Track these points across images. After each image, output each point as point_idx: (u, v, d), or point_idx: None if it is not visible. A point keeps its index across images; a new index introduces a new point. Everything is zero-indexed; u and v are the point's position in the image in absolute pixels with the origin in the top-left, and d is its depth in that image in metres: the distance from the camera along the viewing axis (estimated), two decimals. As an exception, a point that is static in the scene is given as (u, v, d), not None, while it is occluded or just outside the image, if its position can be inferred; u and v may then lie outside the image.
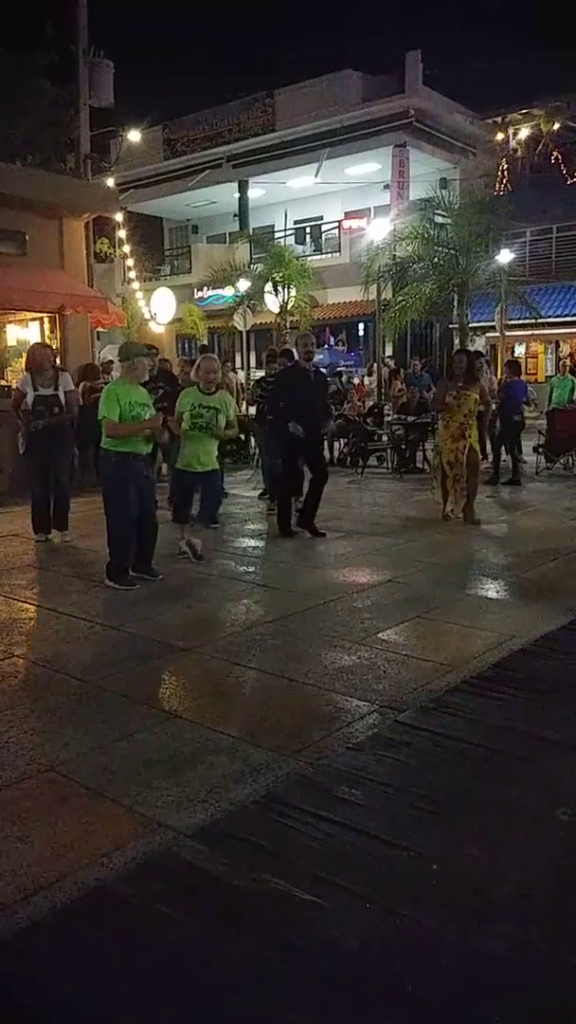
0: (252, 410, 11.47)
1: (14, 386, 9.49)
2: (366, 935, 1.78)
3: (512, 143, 25.66)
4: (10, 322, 13.08)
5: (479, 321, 20.67)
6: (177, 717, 3.81)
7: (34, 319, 12.57)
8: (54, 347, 12.15)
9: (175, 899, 1.88)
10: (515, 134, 25.93)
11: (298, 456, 8.01)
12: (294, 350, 9.09)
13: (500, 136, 25.23)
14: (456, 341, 19.86)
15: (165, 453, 9.49)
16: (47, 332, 12.48)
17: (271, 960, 1.70)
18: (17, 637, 5.03)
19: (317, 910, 1.85)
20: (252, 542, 7.92)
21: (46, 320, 12.41)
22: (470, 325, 18.21)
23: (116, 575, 6.11)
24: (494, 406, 10.36)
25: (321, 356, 20.21)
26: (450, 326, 21.62)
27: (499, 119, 25.74)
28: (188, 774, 3.25)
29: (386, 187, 23.06)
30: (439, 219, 17.45)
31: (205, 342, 23.82)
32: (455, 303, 17.85)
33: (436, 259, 17.02)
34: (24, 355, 9.02)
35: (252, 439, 12.90)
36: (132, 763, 3.37)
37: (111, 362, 14.70)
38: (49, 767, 3.34)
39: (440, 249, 16.99)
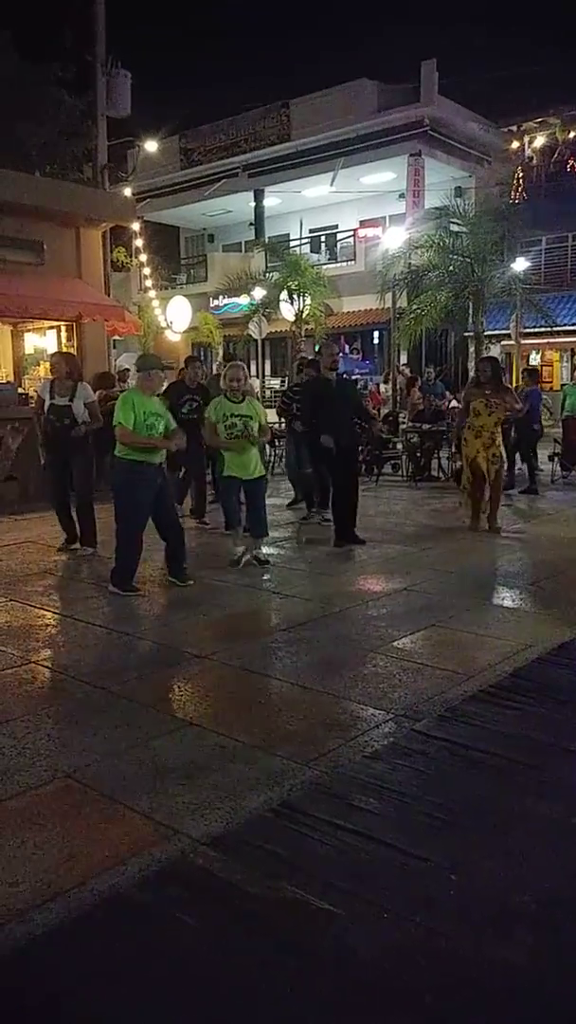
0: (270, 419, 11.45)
1: (32, 392, 9.55)
2: (383, 944, 1.77)
3: (528, 151, 25.65)
4: (28, 330, 13.19)
5: (494, 329, 20.66)
6: (192, 724, 3.81)
7: (51, 327, 12.67)
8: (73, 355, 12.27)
9: (191, 906, 1.88)
10: (531, 142, 25.92)
11: (335, 467, 7.88)
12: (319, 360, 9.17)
13: (515, 144, 25.23)
14: (471, 349, 19.84)
15: (214, 462, 9.46)
16: (64, 340, 12.56)
17: (287, 968, 1.70)
18: (33, 643, 5.05)
19: (333, 919, 1.85)
20: (267, 550, 7.92)
21: (63, 328, 12.50)
22: (485, 333, 18.18)
23: (120, 582, 6.11)
24: (525, 410, 10.25)
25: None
26: (465, 334, 21.60)
27: (515, 127, 25.74)
28: (203, 781, 3.25)
29: (401, 196, 23.10)
30: (454, 227, 17.46)
31: (221, 350, 23.93)
32: (470, 311, 17.85)
33: (451, 267, 17.03)
34: (43, 363, 9.11)
35: (267, 448, 12.89)
36: (148, 770, 3.37)
37: (127, 370, 14.78)
38: (65, 773, 3.35)
39: (455, 257, 16.99)
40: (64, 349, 12.64)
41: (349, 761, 3.27)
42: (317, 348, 21.74)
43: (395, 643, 4.93)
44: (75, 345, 12.29)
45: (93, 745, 3.60)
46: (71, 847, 2.82)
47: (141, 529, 6.13)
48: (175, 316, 20.70)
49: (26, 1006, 1.60)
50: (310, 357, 12.18)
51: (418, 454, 12.70)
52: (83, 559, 7.46)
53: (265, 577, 6.73)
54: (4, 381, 12.51)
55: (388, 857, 2.10)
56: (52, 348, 12.99)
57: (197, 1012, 1.60)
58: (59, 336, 12.71)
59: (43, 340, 13.19)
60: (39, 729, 3.78)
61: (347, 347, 23.69)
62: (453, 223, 17.52)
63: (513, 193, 23.69)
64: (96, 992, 1.64)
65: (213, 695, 4.24)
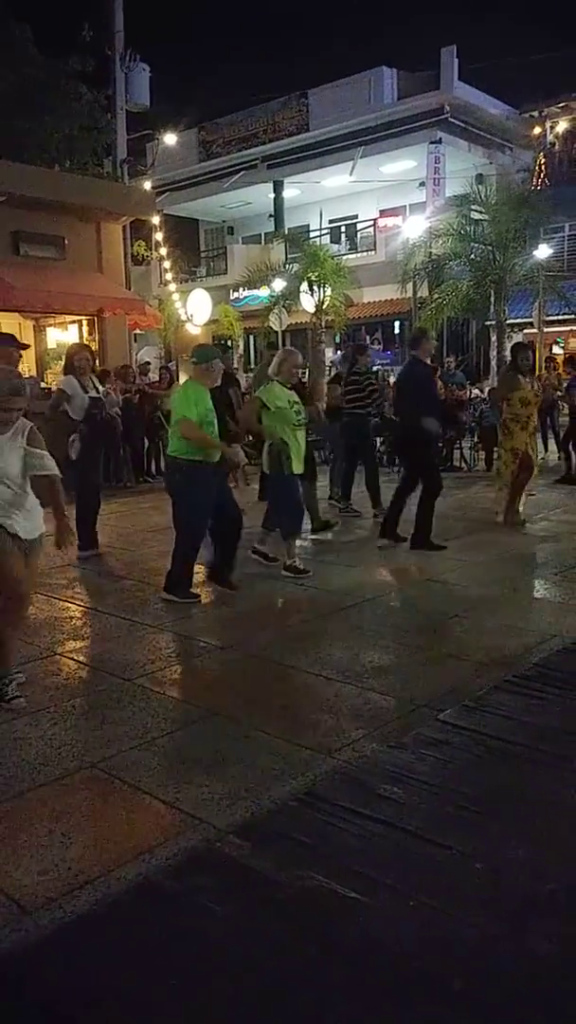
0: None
1: (56, 387, 9.55)
2: (410, 933, 1.78)
3: (550, 137, 25.35)
4: (50, 325, 13.26)
5: (516, 317, 20.46)
6: (216, 715, 3.83)
7: (73, 322, 12.74)
8: (93, 349, 12.33)
9: (217, 894, 1.89)
10: (552, 127, 25.61)
11: (427, 461, 7.38)
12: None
13: (537, 130, 24.93)
14: (493, 338, 19.69)
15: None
16: (86, 335, 12.63)
17: (313, 956, 1.71)
18: (59, 636, 5.09)
19: (360, 907, 1.85)
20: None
21: (85, 323, 12.56)
22: (507, 321, 18.03)
23: (177, 587, 5.68)
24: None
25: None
26: (486, 323, 21.43)
27: (536, 113, 25.44)
28: (228, 771, 3.27)
29: (421, 184, 22.93)
30: (475, 215, 17.31)
31: (241, 342, 23.90)
32: (492, 300, 17.68)
33: (472, 256, 16.90)
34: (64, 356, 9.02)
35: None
36: (173, 760, 3.40)
37: (148, 363, 14.83)
38: (91, 764, 3.38)
39: (476, 245, 16.86)
40: (86, 342, 12.72)
41: (374, 751, 3.27)
42: (337, 339, 21.74)
43: (418, 633, 4.92)
44: (96, 339, 12.35)
45: (119, 736, 3.63)
46: (98, 836, 2.85)
47: (204, 534, 5.69)
48: (195, 309, 20.70)
49: (57, 991, 1.62)
50: (360, 343, 11.94)
51: (440, 444, 12.62)
52: (106, 552, 7.47)
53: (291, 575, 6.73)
54: (27, 375, 12.58)
55: (413, 846, 2.10)
56: (74, 342, 13.08)
57: (223, 997, 1.61)
58: (80, 330, 12.79)
59: (65, 334, 13.26)
60: (65, 720, 3.81)
61: (367, 338, 23.61)
62: (474, 211, 17.37)
63: (535, 179, 23.41)
64: (124, 977, 1.66)
65: (237, 686, 4.25)
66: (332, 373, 10.99)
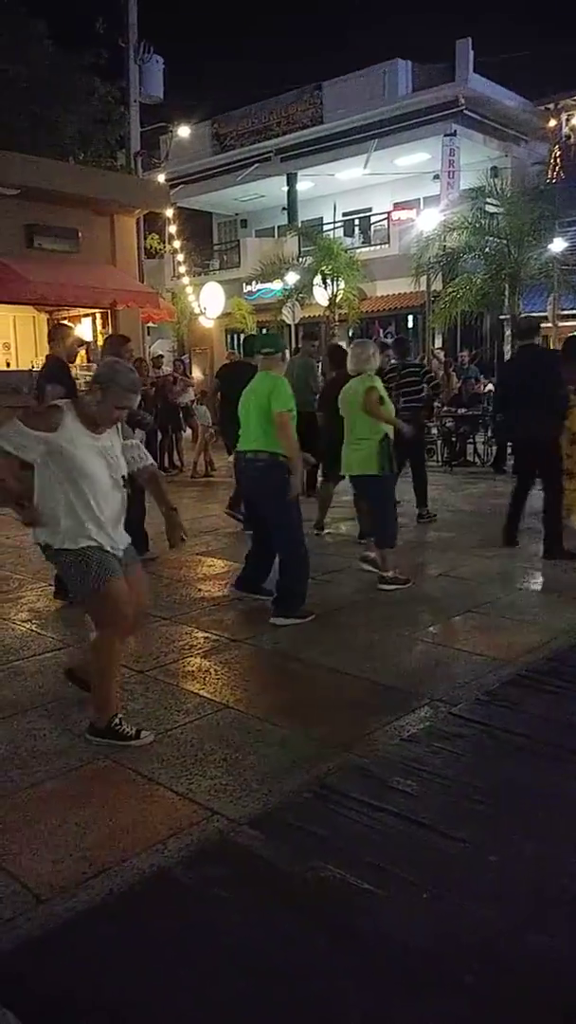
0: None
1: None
2: (422, 925, 1.78)
3: (565, 129, 25.14)
4: (64, 318, 13.28)
5: (531, 311, 20.34)
6: (230, 708, 3.84)
7: (87, 315, 12.77)
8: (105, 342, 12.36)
9: (230, 884, 1.91)
10: (568, 120, 25.40)
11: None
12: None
13: (553, 122, 24.74)
14: (507, 333, 19.60)
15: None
16: (100, 328, 12.65)
17: (325, 947, 1.72)
18: (73, 628, 5.11)
19: (372, 899, 1.86)
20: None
21: (98, 316, 12.58)
22: (522, 315, 17.94)
23: (293, 605, 5.11)
24: None
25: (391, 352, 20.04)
26: (500, 317, 21.32)
27: (552, 105, 25.23)
28: (242, 764, 3.28)
29: (436, 177, 22.80)
30: (490, 208, 17.22)
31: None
32: (506, 294, 17.60)
33: (487, 249, 16.81)
34: (86, 350, 8.93)
35: None
36: (187, 752, 3.41)
37: (161, 356, 14.85)
38: (105, 755, 3.39)
39: (491, 239, 16.77)
40: (99, 335, 12.75)
41: (387, 744, 3.28)
42: (351, 332, 21.68)
43: (431, 628, 4.92)
44: (110, 332, 12.37)
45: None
46: (112, 826, 2.86)
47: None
48: (208, 302, 20.72)
49: (70, 980, 1.64)
50: (395, 336, 11.61)
51: (453, 439, 12.60)
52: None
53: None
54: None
55: (427, 839, 2.11)
56: (88, 336, 13.10)
57: (235, 987, 1.62)
58: (94, 323, 12.82)
59: (79, 328, 13.28)
60: (78, 711, 3.83)
61: (381, 332, 23.54)
62: (489, 204, 17.28)
63: (550, 172, 23.24)
64: (137, 967, 1.68)
65: (250, 679, 4.26)
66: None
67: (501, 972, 1.67)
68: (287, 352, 5.35)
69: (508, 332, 19.18)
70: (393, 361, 8.51)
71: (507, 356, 18.59)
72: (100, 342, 12.74)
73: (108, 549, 3.43)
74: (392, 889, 1.90)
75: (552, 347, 20.44)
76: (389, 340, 23.33)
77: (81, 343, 6.20)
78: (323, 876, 1.92)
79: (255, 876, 1.95)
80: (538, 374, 6.46)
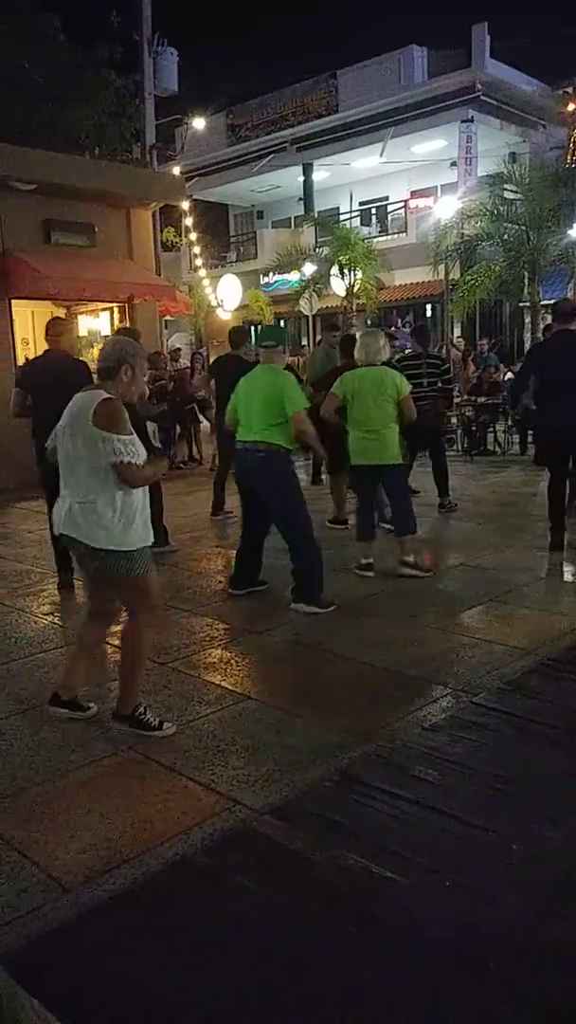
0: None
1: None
2: (445, 912, 1.78)
3: (584, 113, 24.84)
4: (81, 313, 13.32)
5: (551, 298, 20.13)
6: (251, 698, 3.86)
7: (105, 309, 12.78)
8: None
9: (253, 872, 1.92)
10: (587, 103, 25.08)
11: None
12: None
13: (571, 107, 24.44)
14: (527, 320, 19.43)
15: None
16: (117, 322, 12.67)
17: (350, 934, 1.72)
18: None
19: (395, 887, 1.87)
20: (324, 529, 7.92)
21: (116, 310, 12.60)
22: (541, 303, 17.77)
23: (316, 594, 5.19)
24: None
25: (411, 340, 19.93)
26: (520, 304, 21.14)
27: (570, 89, 24.92)
28: (263, 754, 3.29)
29: (453, 164, 22.61)
30: (508, 195, 17.05)
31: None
32: (525, 281, 17.43)
33: (505, 236, 16.66)
34: (100, 345, 8.91)
35: None
36: (208, 743, 3.43)
37: (179, 350, 14.86)
38: (128, 746, 3.42)
39: (510, 225, 16.61)
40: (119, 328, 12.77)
41: (408, 733, 3.27)
42: (368, 322, 21.58)
43: (452, 618, 4.90)
44: (128, 327, 12.39)
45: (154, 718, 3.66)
46: (135, 816, 2.89)
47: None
48: (226, 295, 20.68)
49: (95, 966, 1.66)
50: (414, 325, 11.45)
51: (473, 428, 12.52)
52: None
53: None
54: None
55: (449, 827, 2.11)
56: (106, 330, 13.13)
57: (258, 974, 1.63)
58: (112, 318, 12.83)
59: (96, 322, 13.32)
60: (102, 703, 3.86)
61: (399, 321, 23.42)
62: (507, 190, 17.11)
63: (569, 156, 22.97)
64: (161, 953, 1.69)
65: (271, 670, 4.27)
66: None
67: (523, 960, 1.67)
68: (287, 344, 5.40)
69: (528, 319, 19.00)
70: (409, 349, 8.45)
71: (527, 344, 18.45)
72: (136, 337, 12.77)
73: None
74: (414, 877, 1.90)
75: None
76: (407, 329, 23.26)
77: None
78: (345, 864, 1.92)
79: (278, 864, 1.95)
80: None
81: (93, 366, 9.48)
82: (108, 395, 3.37)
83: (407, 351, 9.02)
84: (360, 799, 2.21)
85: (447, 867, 1.92)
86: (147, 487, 3.54)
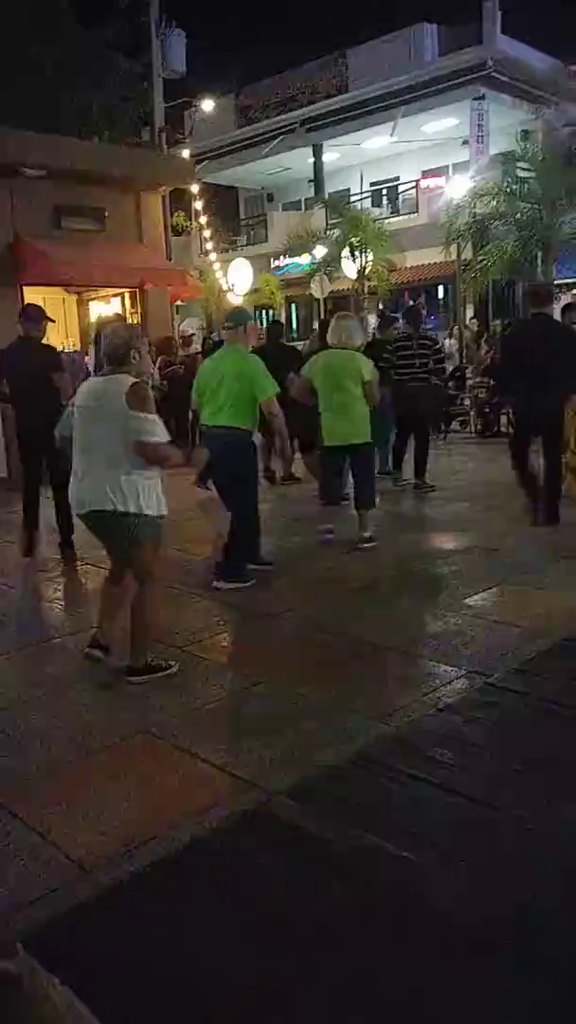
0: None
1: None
2: (462, 892, 1.79)
3: (598, 88, 24.46)
4: (92, 299, 13.30)
5: (565, 278, 19.95)
6: (266, 681, 3.87)
7: (116, 295, 12.75)
8: (135, 322, 12.35)
9: (270, 852, 1.93)
10: (600, 79, 24.69)
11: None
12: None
13: (585, 82, 24.08)
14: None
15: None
16: (128, 307, 12.64)
17: (366, 913, 1.73)
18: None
19: (411, 866, 1.87)
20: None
21: (127, 295, 12.57)
22: (555, 282, 17.59)
23: (239, 573, 5.37)
24: None
25: (402, 322, 19.82)
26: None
27: (584, 64, 24.55)
28: (279, 737, 3.30)
29: (465, 143, 22.36)
30: (521, 173, 16.86)
31: (283, 312, 23.67)
32: (539, 260, 17.25)
33: (518, 215, 16.48)
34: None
35: None
36: (225, 725, 3.45)
37: (193, 335, 14.81)
38: (145, 728, 3.44)
39: (523, 204, 16.43)
40: (128, 316, 12.75)
41: (423, 715, 3.28)
42: (380, 304, 21.44)
43: (466, 600, 4.89)
44: (139, 312, 12.36)
45: (171, 702, 3.69)
46: (153, 798, 2.91)
47: None
48: (237, 278, 20.61)
49: (115, 945, 1.68)
50: (407, 306, 11.46)
51: (486, 410, 12.45)
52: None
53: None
54: (72, 350, 12.67)
55: (464, 807, 2.11)
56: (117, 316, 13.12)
57: (277, 952, 1.64)
58: (123, 303, 12.80)
59: (108, 308, 13.29)
60: (117, 687, 3.89)
61: (410, 303, 23.25)
62: (520, 168, 16.92)
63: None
64: (179, 932, 1.71)
65: (286, 653, 4.28)
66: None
67: (540, 939, 1.68)
68: (250, 324, 5.39)
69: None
70: (397, 329, 8.42)
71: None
72: (131, 321, 12.75)
73: None
74: (430, 857, 1.91)
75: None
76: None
77: None
78: (361, 844, 1.93)
79: (295, 845, 1.97)
80: (556, 347, 6.21)
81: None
82: (136, 380, 3.67)
83: (399, 332, 8.89)
84: (376, 780, 2.22)
85: (463, 847, 1.93)
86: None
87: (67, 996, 1.56)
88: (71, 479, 3.86)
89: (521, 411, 6.78)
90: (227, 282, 20.05)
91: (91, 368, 7.05)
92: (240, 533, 5.32)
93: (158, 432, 3.66)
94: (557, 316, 7.93)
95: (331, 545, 6.04)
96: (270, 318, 22.29)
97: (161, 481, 3.85)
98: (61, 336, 12.94)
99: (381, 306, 20.91)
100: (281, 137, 25.54)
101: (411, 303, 12.81)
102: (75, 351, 12.46)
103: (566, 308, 8.38)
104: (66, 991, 1.57)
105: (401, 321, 8.99)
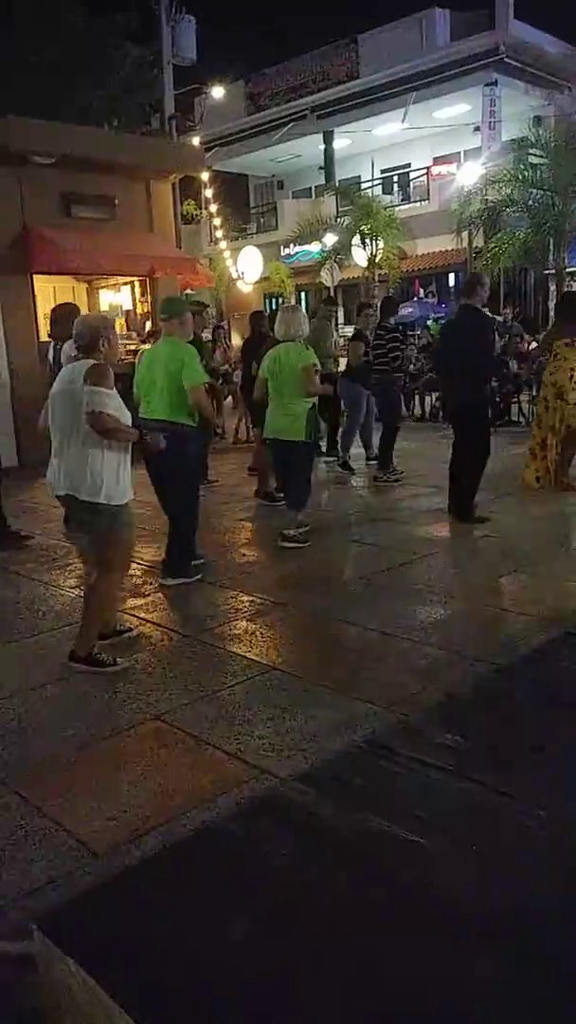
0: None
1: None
2: (472, 878, 1.80)
3: (611, 73, 24.19)
4: (102, 287, 13.28)
5: (576, 265, 19.80)
6: (275, 670, 3.88)
7: (126, 283, 12.73)
8: (146, 310, 12.34)
9: (280, 836, 1.94)
10: (614, 64, 24.42)
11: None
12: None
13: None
14: (552, 288, 19.13)
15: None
16: (138, 296, 12.62)
17: (377, 897, 1.75)
18: (120, 594, 5.18)
19: (422, 851, 1.88)
20: (345, 498, 7.92)
21: (137, 283, 12.54)
22: (567, 270, 17.48)
23: (185, 568, 5.29)
24: None
25: (411, 309, 19.74)
26: (544, 272, 20.80)
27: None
28: (288, 724, 3.32)
29: (476, 129, 22.18)
30: (533, 159, 16.72)
31: (292, 299, 23.62)
32: (551, 247, 17.13)
33: (530, 202, 16.35)
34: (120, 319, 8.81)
35: None
36: (234, 713, 3.46)
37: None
38: (154, 716, 3.46)
39: (535, 191, 16.30)
40: (139, 304, 12.74)
41: (434, 702, 3.28)
42: (391, 292, 21.34)
43: (476, 589, 4.89)
44: (149, 300, 12.34)
45: (180, 690, 3.71)
46: (163, 785, 2.93)
47: None
48: (246, 267, 20.58)
49: (127, 928, 1.69)
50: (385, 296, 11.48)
51: (497, 399, 12.39)
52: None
53: (342, 525, 6.72)
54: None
55: (475, 793, 2.12)
56: (127, 304, 13.09)
57: (287, 935, 1.66)
58: (133, 291, 12.78)
59: (118, 296, 13.28)
60: (128, 674, 3.91)
61: (422, 291, 23.14)
62: (532, 155, 16.77)
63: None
64: (190, 915, 1.72)
65: (295, 641, 4.29)
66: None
67: (551, 927, 1.68)
68: (188, 315, 5.17)
69: (552, 287, 18.70)
70: (383, 321, 8.39)
71: (552, 312, 18.16)
72: (140, 310, 12.74)
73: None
74: (441, 843, 1.92)
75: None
76: (430, 299, 22.92)
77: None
78: (372, 829, 1.94)
79: (304, 828, 1.98)
80: (472, 339, 6.23)
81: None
82: (98, 361, 3.82)
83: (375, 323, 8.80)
84: (386, 766, 2.23)
85: (474, 833, 1.94)
86: None
87: (81, 976, 1.58)
88: (50, 461, 3.95)
89: (447, 407, 6.88)
90: (237, 270, 20.00)
91: (51, 355, 6.78)
92: (178, 531, 5.26)
93: (110, 405, 3.70)
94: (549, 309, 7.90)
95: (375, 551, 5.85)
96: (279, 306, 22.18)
97: (125, 466, 3.89)
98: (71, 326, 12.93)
99: (391, 291, 20.82)
100: (291, 124, 25.38)
101: (387, 295, 12.68)
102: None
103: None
104: (80, 969, 1.59)
105: (431, 307, 9.06)
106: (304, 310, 7.35)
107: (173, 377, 4.92)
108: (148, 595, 5.18)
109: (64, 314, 6.94)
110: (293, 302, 24.37)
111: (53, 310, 7.09)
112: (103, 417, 3.66)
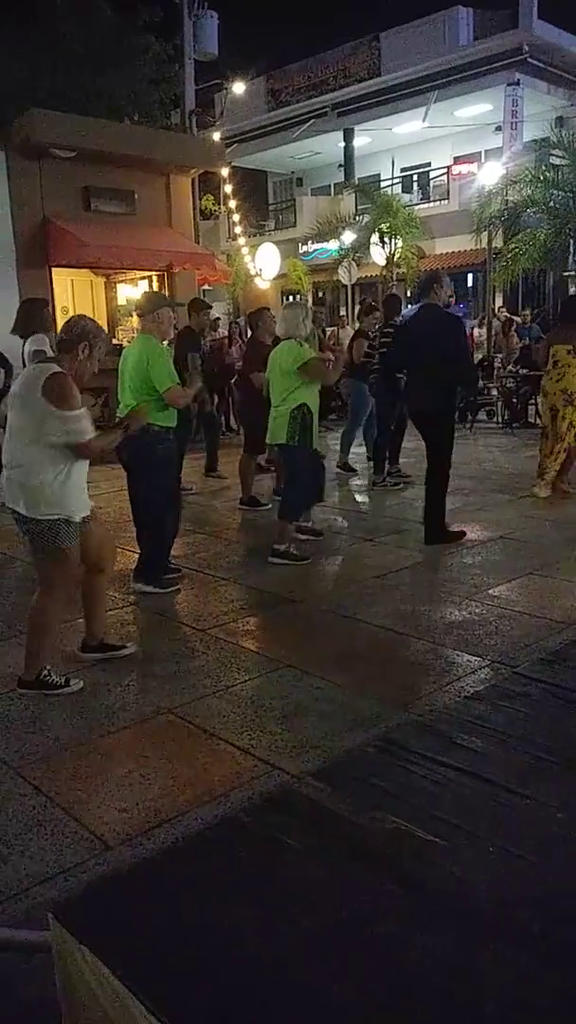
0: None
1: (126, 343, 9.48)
2: (489, 876, 1.78)
3: None
4: (120, 281, 13.30)
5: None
6: (289, 666, 3.87)
7: (143, 277, 12.74)
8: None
9: (295, 831, 1.93)
10: None
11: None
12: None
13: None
14: (572, 289, 19.03)
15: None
16: (156, 290, 12.63)
17: (393, 892, 1.73)
18: (133, 587, 5.19)
19: (438, 849, 1.87)
20: (359, 498, 7.90)
21: (155, 278, 12.56)
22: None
23: (158, 577, 5.09)
24: None
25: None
26: (564, 274, 20.69)
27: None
28: (302, 721, 3.31)
29: (498, 129, 22.08)
30: (555, 160, 16.61)
31: (310, 297, 23.59)
32: (571, 249, 17.03)
33: (551, 203, 16.25)
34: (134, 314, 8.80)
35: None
36: (247, 708, 3.45)
37: (218, 319, 14.78)
38: (168, 710, 3.46)
39: (556, 192, 16.19)
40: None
41: (449, 702, 3.27)
42: (408, 292, 21.27)
43: (491, 591, 4.86)
44: (167, 295, 12.35)
45: (193, 684, 3.70)
46: (175, 778, 2.93)
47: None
48: (264, 263, 20.54)
49: (140, 916, 1.69)
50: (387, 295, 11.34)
51: (514, 400, 12.34)
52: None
53: (357, 524, 6.70)
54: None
55: (493, 794, 2.10)
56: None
57: (303, 926, 1.65)
58: (150, 286, 12.79)
59: (135, 290, 13.29)
60: (141, 668, 3.91)
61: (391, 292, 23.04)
62: (554, 155, 16.67)
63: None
64: (203, 907, 1.72)
65: (309, 639, 4.28)
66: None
67: (567, 926, 1.67)
68: (166, 311, 4.92)
69: (573, 289, 18.59)
70: (388, 320, 8.24)
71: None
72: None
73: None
74: (456, 841, 1.90)
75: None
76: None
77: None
78: (388, 826, 1.93)
79: (319, 824, 1.97)
80: (437, 341, 5.65)
81: (128, 336, 9.09)
82: (58, 369, 3.46)
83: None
84: (402, 765, 2.22)
85: (491, 833, 1.92)
86: None
87: (95, 965, 1.58)
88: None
89: (410, 412, 6.45)
90: (255, 267, 19.97)
91: (25, 350, 6.65)
92: (149, 537, 5.07)
93: (85, 428, 3.45)
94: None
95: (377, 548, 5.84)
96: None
97: (72, 476, 3.55)
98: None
99: (408, 293, 20.76)
100: (312, 121, 25.35)
101: (390, 293, 12.34)
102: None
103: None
104: (94, 958, 1.59)
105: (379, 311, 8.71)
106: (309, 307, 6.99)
107: (141, 376, 4.76)
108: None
109: (23, 311, 6.97)
110: (310, 300, 24.38)
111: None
112: (88, 447, 3.47)
